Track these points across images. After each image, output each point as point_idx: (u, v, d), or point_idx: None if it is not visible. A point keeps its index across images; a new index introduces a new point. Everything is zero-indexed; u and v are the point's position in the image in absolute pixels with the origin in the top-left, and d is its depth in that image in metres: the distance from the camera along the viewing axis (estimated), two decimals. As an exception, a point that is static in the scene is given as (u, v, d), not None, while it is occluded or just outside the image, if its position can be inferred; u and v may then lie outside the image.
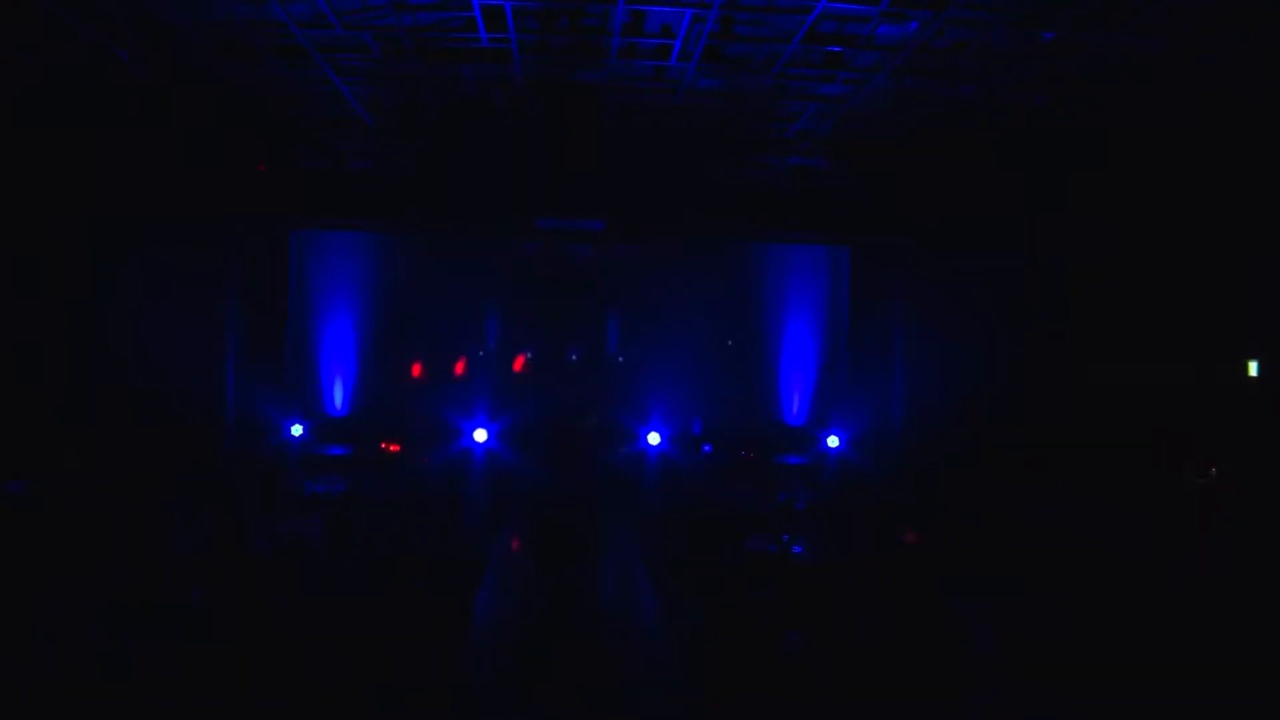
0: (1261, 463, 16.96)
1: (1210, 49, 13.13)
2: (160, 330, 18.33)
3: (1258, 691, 9.96)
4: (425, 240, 22.12)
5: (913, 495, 19.26)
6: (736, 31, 13.24)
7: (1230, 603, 12.16)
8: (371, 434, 21.84)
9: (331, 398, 22.22)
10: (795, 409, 23.06)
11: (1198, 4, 11.84)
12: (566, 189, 19.78)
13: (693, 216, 20.48)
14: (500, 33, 13.35)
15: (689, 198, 20.24)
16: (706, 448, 22.31)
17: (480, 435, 21.57)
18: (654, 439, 21.79)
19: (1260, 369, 18.14)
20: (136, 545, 13.24)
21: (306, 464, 21.18)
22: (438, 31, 13.51)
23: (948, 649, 10.61)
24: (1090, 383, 19.34)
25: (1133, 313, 18.74)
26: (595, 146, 18.45)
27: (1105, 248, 18.72)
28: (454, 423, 21.56)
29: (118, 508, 15.40)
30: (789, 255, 23.11)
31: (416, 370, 22.06)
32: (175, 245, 18.98)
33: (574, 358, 23.32)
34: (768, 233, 22.05)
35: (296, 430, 21.28)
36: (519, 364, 22.04)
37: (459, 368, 21.92)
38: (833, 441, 21.88)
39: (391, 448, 21.83)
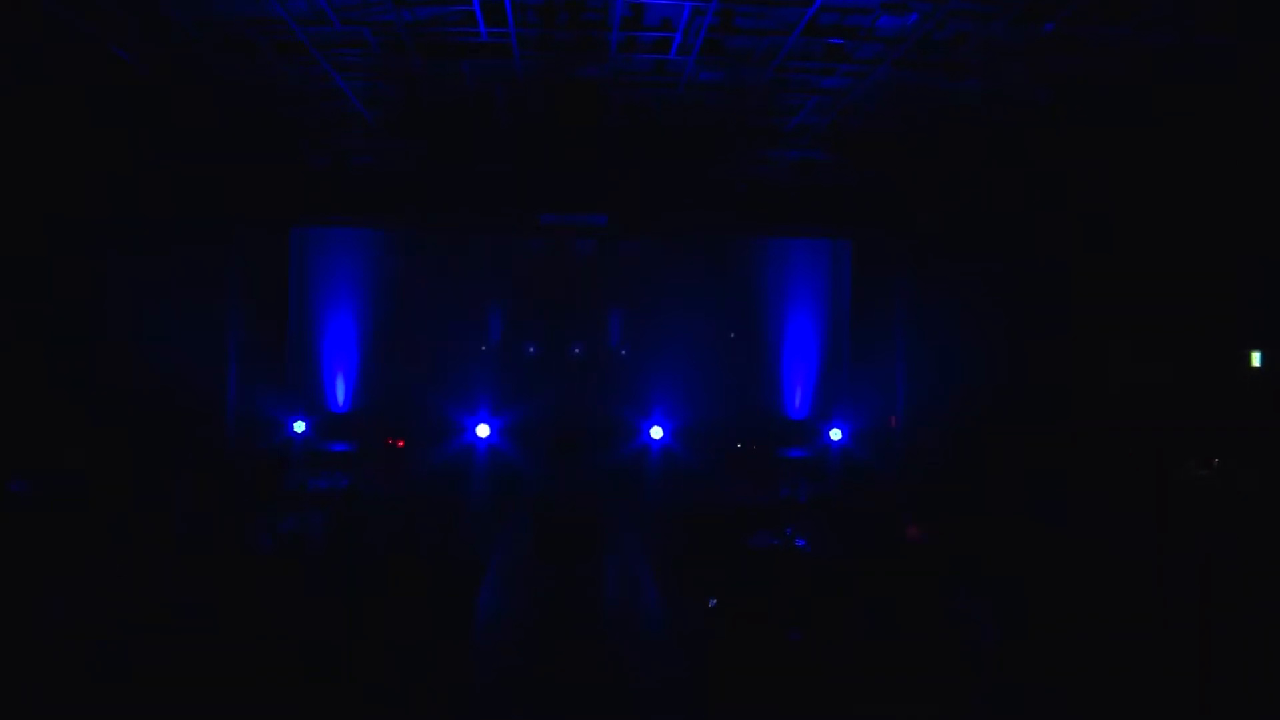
0: (1264, 455, 16.92)
1: (1213, 44, 13.08)
2: (161, 327, 18.34)
3: (1258, 689, 9.93)
4: (427, 236, 22.09)
5: (915, 489, 19.24)
6: (736, 24, 13.17)
7: (1231, 599, 12.13)
8: (374, 430, 21.85)
9: (334, 394, 22.21)
10: (798, 403, 23.03)
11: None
12: (568, 184, 19.76)
13: (694, 211, 20.46)
14: (500, 27, 13.30)
15: (690, 192, 20.22)
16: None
17: (483, 431, 21.57)
18: (657, 434, 21.78)
19: (1263, 360, 18.12)
20: (138, 544, 13.23)
21: (309, 460, 21.20)
22: (437, 26, 13.46)
23: (951, 645, 10.58)
24: (1091, 377, 19.31)
25: (1134, 306, 18.69)
26: (596, 141, 18.42)
27: (1106, 241, 18.68)
28: (456, 418, 21.56)
29: (119, 507, 15.39)
30: (791, 249, 23.08)
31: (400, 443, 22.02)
32: (176, 242, 18.97)
33: (576, 351, 23.27)
34: (769, 227, 22.01)
35: (299, 427, 21.29)
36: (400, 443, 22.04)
37: (399, 443, 21.92)
38: (835, 435, 21.88)
39: (398, 443, 21.84)
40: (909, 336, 21.38)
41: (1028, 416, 19.37)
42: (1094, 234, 18.75)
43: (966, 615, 10.39)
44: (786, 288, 23.03)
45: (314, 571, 13.69)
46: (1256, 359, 18.25)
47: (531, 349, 23.23)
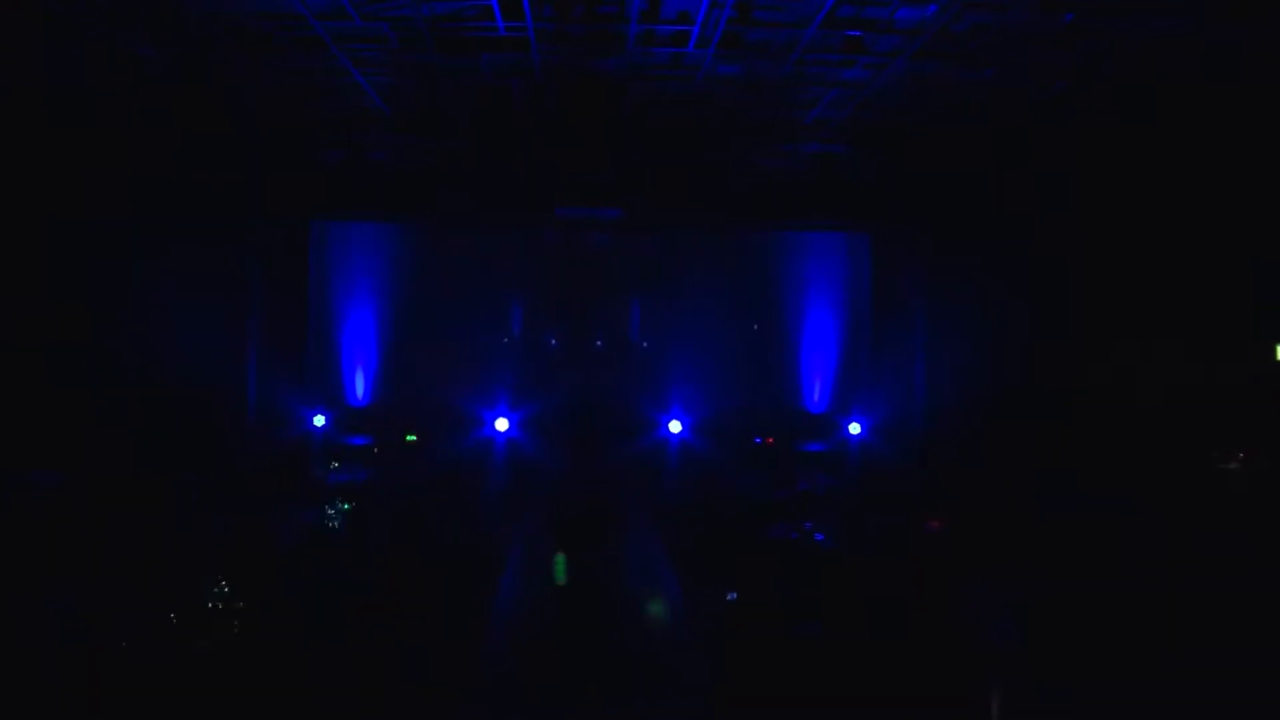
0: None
1: (1231, 35, 12.97)
2: (183, 322, 18.46)
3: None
4: (445, 230, 22.13)
5: (934, 483, 19.17)
6: (755, 16, 13.12)
7: (1254, 594, 12.03)
8: (393, 424, 21.92)
9: (353, 388, 22.31)
10: (816, 396, 22.99)
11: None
12: (585, 178, 19.76)
13: (711, 204, 20.43)
14: (517, 21, 13.31)
15: (707, 185, 20.19)
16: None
17: (501, 424, 21.62)
18: (675, 427, 21.78)
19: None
20: (158, 536, 13.33)
21: (328, 454, 21.30)
22: (455, 21, 13.47)
23: (969, 639, 10.55)
24: (1113, 369, 19.19)
25: (1156, 298, 18.57)
26: (613, 135, 18.41)
27: (1126, 233, 18.56)
28: (475, 412, 21.62)
29: (140, 499, 15.50)
30: (809, 241, 23.03)
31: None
32: (197, 239, 19.08)
33: (598, 344, 23.31)
34: (786, 220, 21.96)
35: (318, 421, 21.38)
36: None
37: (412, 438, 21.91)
38: (854, 429, 21.82)
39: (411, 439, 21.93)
40: (928, 330, 21.28)
41: (1048, 410, 19.28)
42: (1113, 226, 18.63)
43: (985, 612, 10.35)
44: (805, 281, 22.99)
45: (334, 564, 13.76)
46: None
47: (552, 341, 23.29)
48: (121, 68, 14.94)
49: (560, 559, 16.00)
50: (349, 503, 18.09)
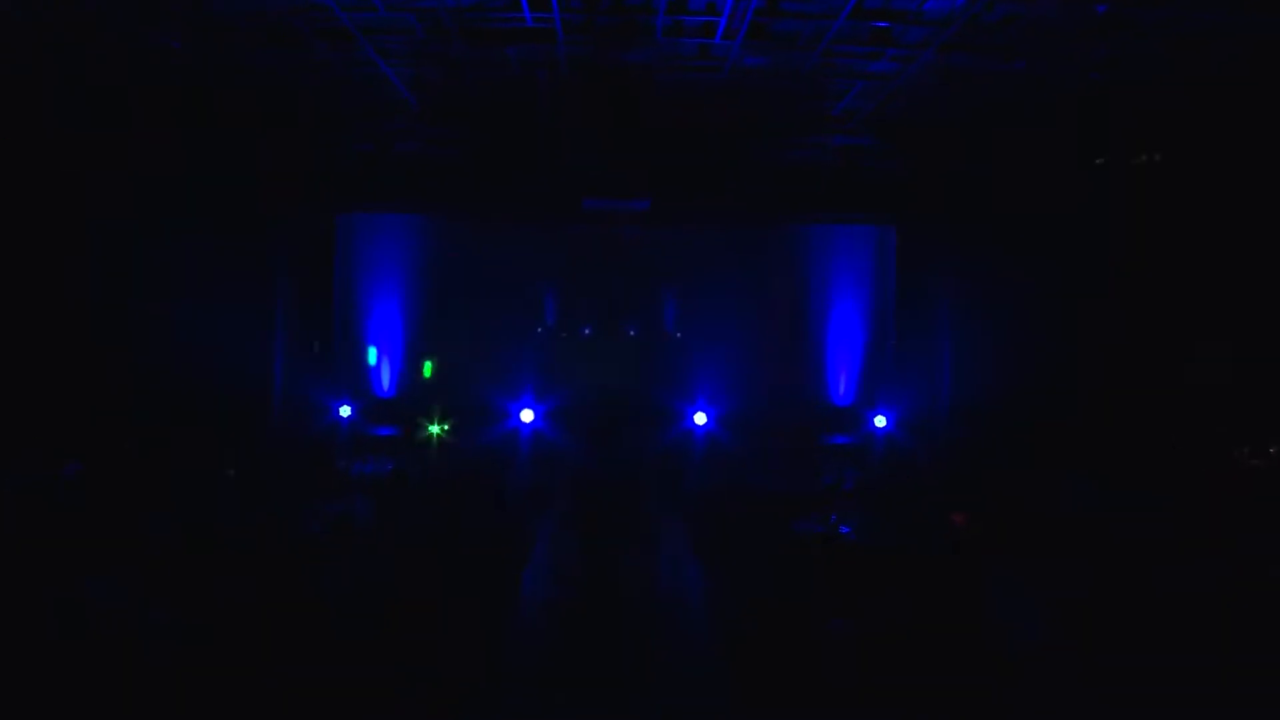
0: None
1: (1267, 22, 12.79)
2: (211, 315, 18.59)
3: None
4: (472, 221, 22.15)
5: (961, 477, 19.07)
6: (782, 8, 13.08)
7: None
8: (419, 415, 21.99)
9: (379, 379, 22.40)
10: (842, 389, 22.91)
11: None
12: (612, 170, 19.74)
13: (737, 196, 20.37)
14: (544, 12, 13.30)
15: (734, 178, 20.13)
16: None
17: (527, 416, 21.66)
18: (700, 419, 21.75)
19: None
20: (186, 528, 13.42)
21: (354, 445, 21.40)
22: (481, 12, 13.49)
23: (995, 634, 10.50)
24: (1141, 363, 19.02)
25: (1189, 294, 18.38)
26: (640, 127, 18.38)
27: (1159, 227, 18.38)
28: (502, 403, 21.66)
29: (168, 490, 15.63)
30: (835, 234, 22.90)
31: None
32: (225, 230, 19.21)
33: (632, 333, 23.30)
34: (812, 213, 21.89)
35: (345, 412, 21.48)
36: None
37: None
38: (880, 422, 21.73)
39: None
40: (953, 323, 21.15)
41: (1075, 405, 19.13)
42: (1147, 220, 18.45)
43: (1011, 603, 10.30)
44: (830, 273, 22.88)
45: (362, 554, 13.81)
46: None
47: (585, 331, 23.31)
48: (153, 63, 15.03)
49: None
50: (374, 494, 18.18)
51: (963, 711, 9.53)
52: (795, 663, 10.36)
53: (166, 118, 17.49)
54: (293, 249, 20.89)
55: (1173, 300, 18.68)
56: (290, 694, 9.00)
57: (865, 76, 15.76)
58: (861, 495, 19.60)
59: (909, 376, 21.78)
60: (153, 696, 8.74)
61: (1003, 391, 19.59)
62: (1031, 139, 18.03)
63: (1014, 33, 13.51)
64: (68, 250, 18.44)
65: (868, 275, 22.91)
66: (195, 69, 15.54)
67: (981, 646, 10.41)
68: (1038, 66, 14.80)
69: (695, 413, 21.77)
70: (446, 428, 21.59)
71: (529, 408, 21.70)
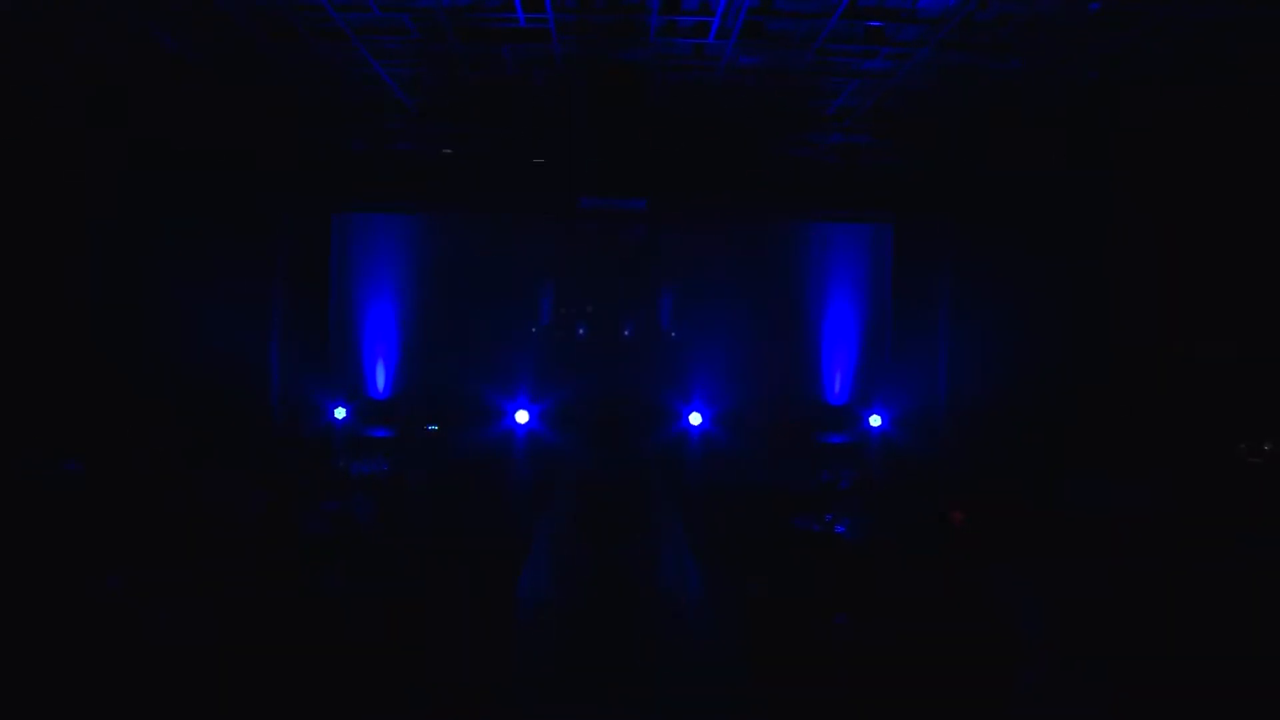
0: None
1: (1269, 18, 12.79)
2: (207, 315, 18.59)
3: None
4: (469, 220, 22.14)
5: (958, 475, 19.09)
6: (776, 7, 13.07)
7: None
8: (415, 416, 21.99)
9: (374, 380, 22.38)
10: (837, 388, 22.91)
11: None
12: (608, 169, 19.69)
13: (734, 195, 20.38)
14: (538, 13, 13.30)
15: (731, 176, 20.13)
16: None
17: (522, 417, 21.64)
18: (696, 419, 21.75)
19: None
20: (186, 526, 13.42)
21: (350, 446, 21.39)
22: (475, 12, 13.47)
23: (996, 630, 10.50)
24: (1139, 360, 19.04)
25: (1190, 291, 18.40)
26: (635, 126, 18.36)
27: (1160, 225, 18.39)
28: (497, 404, 21.65)
29: (166, 489, 15.63)
30: (831, 232, 22.90)
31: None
32: (220, 230, 19.20)
33: (627, 334, 23.28)
34: (809, 211, 21.90)
35: (340, 413, 21.47)
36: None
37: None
38: (875, 421, 21.75)
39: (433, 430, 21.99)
40: (951, 321, 21.18)
41: (1075, 402, 19.15)
42: (1147, 217, 18.47)
43: (1012, 599, 10.31)
44: (826, 271, 22.88)
45: (361, 552, 13.82)
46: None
47: (580, 331, 23.29)
48: (151, 58, 15.01)
49: None
50: (373, 494, 18.18)
51: (963, 710, 9.55)
52: (799, 661, 10.38)
53: (162, 114, 17.47)
54: (289, 249, 20.88)
55: (1173, 300, 18.69)
56: (292, 694, 9.01)
57: (861, 75, 15.75)
58: (858, 494, 19.61)
59: (905, 375, 21.81)
60: (152, 696, 8.75)
61: (1000, 390, 19.62)
62: (1030, 137, 18.02)
63: (1009, 31, 13.52)
64: (68, 250, 18.43)
65: (864, 272, 22.92)
66: (192, 66, 15.51)
67: (981, 644, 10.42)
68: (1034, 64, 14.81)
69: (691, 412, 21.78)
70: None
71: (525, 408, 21.69)
